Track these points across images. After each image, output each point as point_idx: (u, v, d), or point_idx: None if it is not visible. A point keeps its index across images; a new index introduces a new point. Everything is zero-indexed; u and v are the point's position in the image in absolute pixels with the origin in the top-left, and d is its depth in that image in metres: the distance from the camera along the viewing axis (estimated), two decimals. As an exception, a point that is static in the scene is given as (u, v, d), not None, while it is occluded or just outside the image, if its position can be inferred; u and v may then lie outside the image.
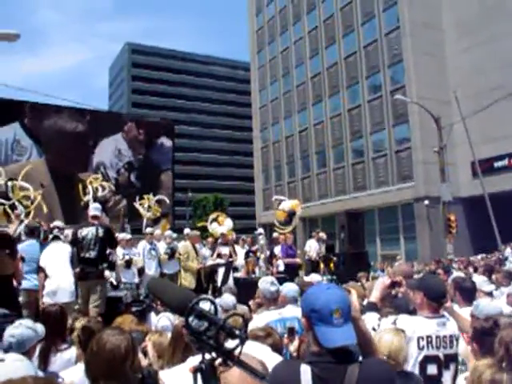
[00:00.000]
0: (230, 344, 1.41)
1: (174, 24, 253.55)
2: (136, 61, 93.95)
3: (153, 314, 6.53)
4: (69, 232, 7.43)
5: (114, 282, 7.96)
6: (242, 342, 1.41)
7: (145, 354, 1.97)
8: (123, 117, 19.30)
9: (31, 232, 7.66)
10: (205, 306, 1.46)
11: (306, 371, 1.93)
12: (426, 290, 3.40)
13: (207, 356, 1.41)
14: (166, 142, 17.82)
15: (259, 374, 1.40)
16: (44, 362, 3.76)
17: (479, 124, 30.09)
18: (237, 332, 1.41)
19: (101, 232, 7.31)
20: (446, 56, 39.33)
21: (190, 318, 1.40)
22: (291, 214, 12.98)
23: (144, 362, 1.93)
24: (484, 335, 3.01)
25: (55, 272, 6.87)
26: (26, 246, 7.35)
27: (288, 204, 13.22)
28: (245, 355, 1.42)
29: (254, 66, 59.92)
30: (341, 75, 46.01)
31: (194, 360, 1.85)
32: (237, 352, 1.40)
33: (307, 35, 50.56)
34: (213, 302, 1.48)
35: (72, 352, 3.86)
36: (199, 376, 1.40)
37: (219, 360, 1.40)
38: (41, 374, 2.76)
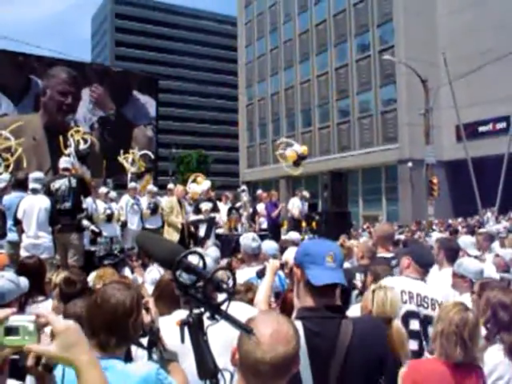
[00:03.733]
0: (218, 298, 1.39)
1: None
2: (120, 11, 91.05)
3: (127, 269, 6.49)
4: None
5: (96, 230, 7.82)
6: (230, 296, 1.39)
7: (146, 310, 1.91)
8: (89, 67, 17.88)
9: (20, 184, 7.46)
10: (193, 259, 1.43)
11: (297, 327, 1.90)
12: (415, 255, 3.48)
13: (195, 310, 1.39)
14: (141, 96, 16.95)
15: (247, 328, 1.38)
16: (19, 312, 3.72)
17: (467, 87, 30.06)
18: (224, 286, 1.38)
19: (74, 182, 7.30)
20: (437, 16, 38.86)
21: (178, 272, 1.37)
22: (301, 158, 13.30)
23: (147, 318, 1.89)
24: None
25: (32, 226, 6.71)
26: (15, 198, 7.13)
27: (299, 148, 13.52)
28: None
29: (240, 21, 58.66)
30: (329, 33, 45.31)
31: (181, 313, 1.83)
32: (224, 306, 1.38)
33: (297, -10, 49.41)
34: (201, 256, 1.44)
35: (48, 304, 3.81)
36: (186, 330, 1.38)
37: (207, 314, 1.37)
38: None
